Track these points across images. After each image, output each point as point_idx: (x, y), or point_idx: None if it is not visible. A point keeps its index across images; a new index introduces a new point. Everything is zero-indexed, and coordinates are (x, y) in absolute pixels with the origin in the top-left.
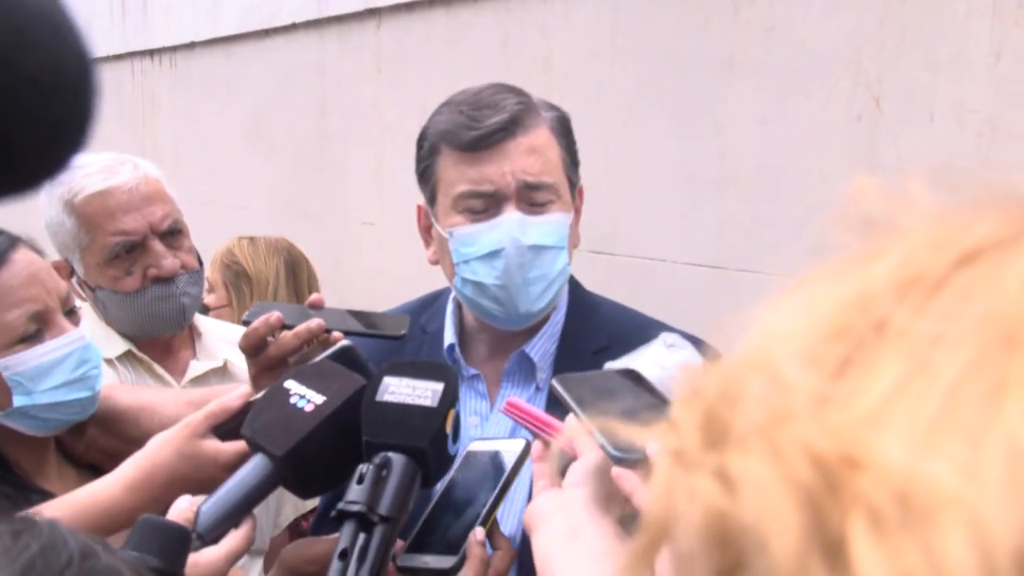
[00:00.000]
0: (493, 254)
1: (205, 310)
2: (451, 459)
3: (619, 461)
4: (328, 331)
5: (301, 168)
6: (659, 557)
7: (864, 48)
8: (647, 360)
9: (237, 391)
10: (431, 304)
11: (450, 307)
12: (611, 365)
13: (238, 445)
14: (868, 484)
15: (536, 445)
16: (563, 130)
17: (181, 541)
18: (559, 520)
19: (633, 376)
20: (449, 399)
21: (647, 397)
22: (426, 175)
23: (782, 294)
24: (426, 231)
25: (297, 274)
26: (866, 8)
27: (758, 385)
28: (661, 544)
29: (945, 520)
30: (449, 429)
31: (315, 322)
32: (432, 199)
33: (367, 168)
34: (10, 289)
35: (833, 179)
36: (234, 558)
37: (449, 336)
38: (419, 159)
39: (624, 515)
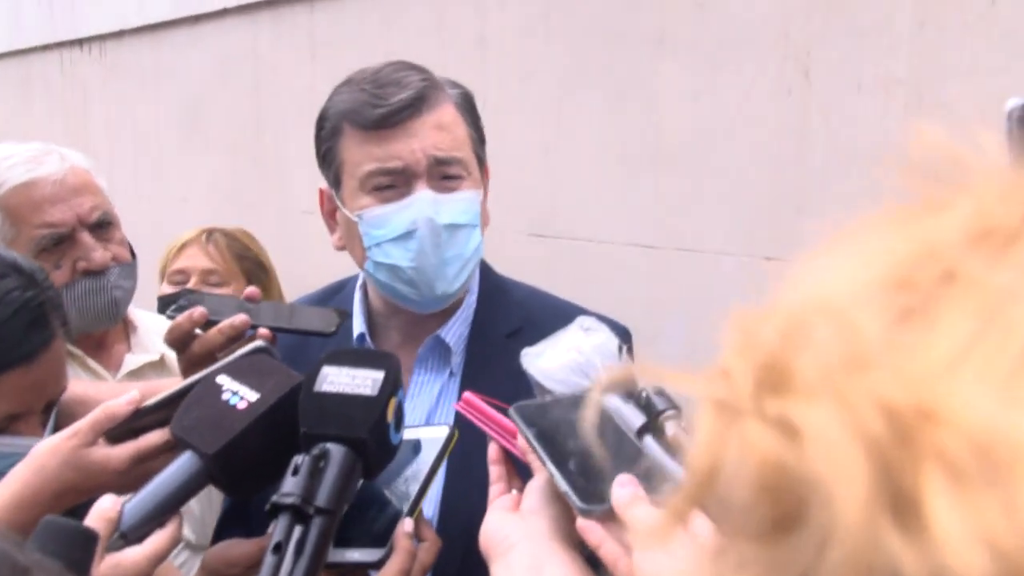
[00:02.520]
0: (406, 235)
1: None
2: (394, 449)
3: (585, 513)
4: (254, 327)
5: (238, 157)
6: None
7: (792, 20)
8: (564, 345)
9: (125, 396)
10: (337, 293)
11: (357, 295)
12: (527, 352)
13: (129, 448)
14: (945, 437)
15: (493, 447)
16: (468, 106)
17: (85, 541)
18: (519, 553)
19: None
20: (390, 387)
21: (605, 427)
22: (328, 157)
23: (836, 241)
24: (330, 216)
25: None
26: None
27: (825, 331)
28: (705, 495)
29: None
30: (391, 418)
31: (239, 318)
32: (336, 182)
33: (305, 156)
34: (12, 388)
35: (765, 152)
36: (158, 558)
37: (358, 325)
38: (320, 140)
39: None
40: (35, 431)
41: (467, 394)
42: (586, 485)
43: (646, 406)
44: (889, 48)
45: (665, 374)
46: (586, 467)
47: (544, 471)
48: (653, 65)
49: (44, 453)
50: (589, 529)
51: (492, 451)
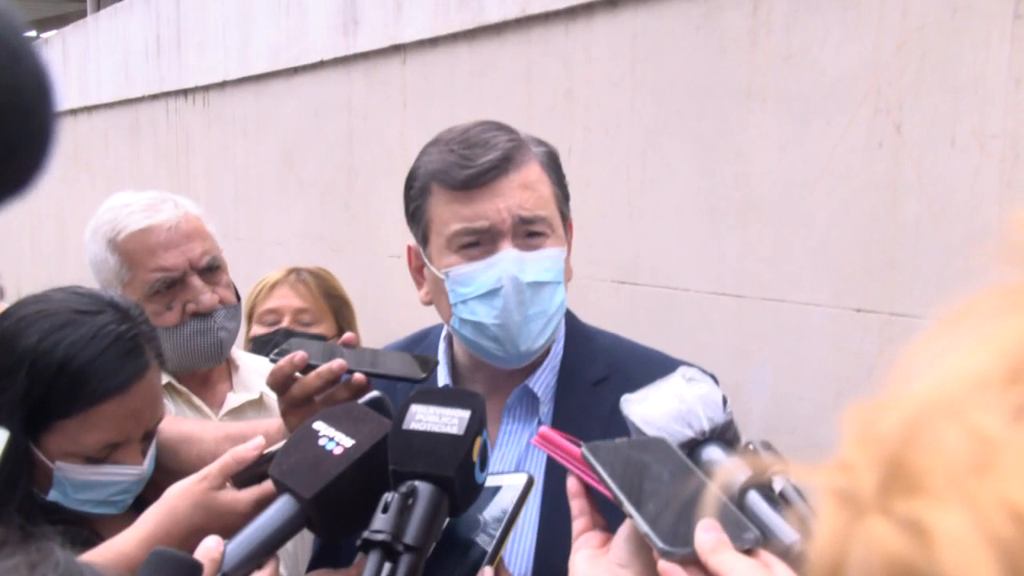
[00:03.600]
0: (491, 293)
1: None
2: (479, 488)
3: (666, 555)
4: (351, 372)
5: (330, 202)
6: None
7: (883, 74)
8: (666, 393)
9: (252, 443)
10: (420, 342)
11: (442, 346)
12: (627, 399)
13: (255, 492)
14: None
15: (572, 481)
16: (553, 165)
17: (192, 572)
18: None
19: (662, 444)
20: (476, 427)
21: (681, 470)
22: (417, 215)
23: (943, 328)
24: (418, 272)
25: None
26: (884, 34)
27: (952, 433)
28: None
29: None
30: (476, 457)
31: (336, 363)
32: (424, 240)
33: (394, 202)
34: (109, 417)
35: (855, 206)
36: None
37: (443, 376)
38: (408, 199)
39: None
40: (135, 459)
41: (543, 428)
42: (666, 526)
43: (753, 460)
44: (984, 103)
45: (783, 463)
46: (665, 509)
47: (628, 523)
48: (741, 117)
49: (176, 496)
50: (671, 572)
51: (571, 484)
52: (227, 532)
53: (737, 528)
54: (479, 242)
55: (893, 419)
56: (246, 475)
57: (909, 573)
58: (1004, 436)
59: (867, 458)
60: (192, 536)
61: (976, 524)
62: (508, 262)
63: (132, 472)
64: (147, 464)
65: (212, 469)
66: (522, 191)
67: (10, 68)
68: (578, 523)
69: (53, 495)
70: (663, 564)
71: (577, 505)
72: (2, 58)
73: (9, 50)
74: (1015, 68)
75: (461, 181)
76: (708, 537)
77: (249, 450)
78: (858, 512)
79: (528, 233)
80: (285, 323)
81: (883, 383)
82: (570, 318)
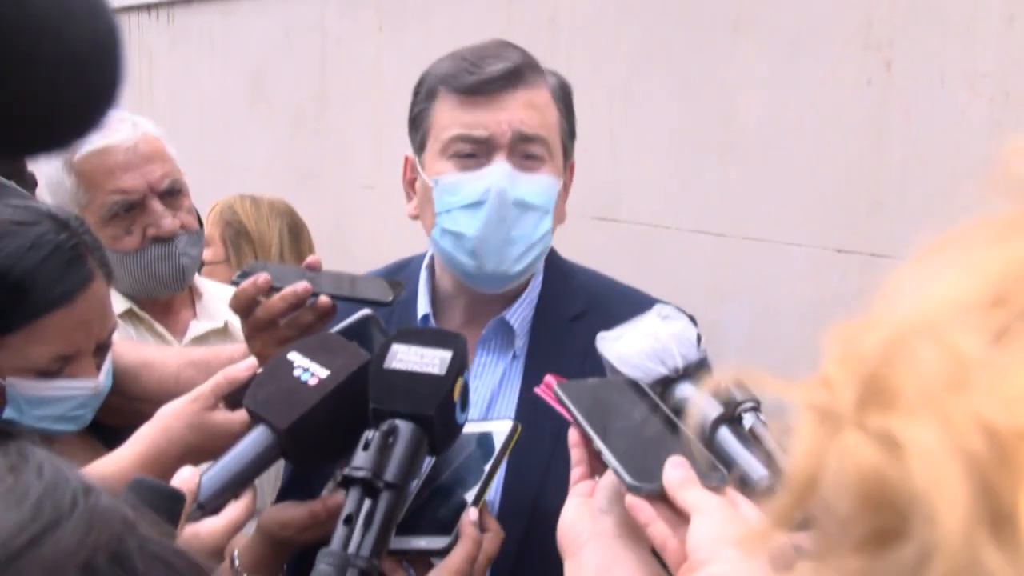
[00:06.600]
0: (476, 204)
1: (200, 265)
2: (459, 428)
3: (634, 490)
4: (315, 295)
5: (301, 129)
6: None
7: (875, 9)
8: (641, 331)
9: (245, 362)
10: (401, 271)
11: (423, 274)
12: (603, 336)
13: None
14: None
15: (573, 432)
16: (564, 97)
17: (172, 501)
18: (589, 553)
19: (634, 386)
20: (457, 367)
21: (653, 411)
22: (419, 120)
23: (929, 255)
24: (410, 184)
25: (299, 238)
26: None
27: (929, 352)
28: (804, 502)
29: None
30: (457, 397)
31: (301, 285)
32: (421, 146)
33: (367, 130)
34: (56, 329)
35: (839, 144)
36: (235, 529)
37: (423, 305)
38: (414, 104)
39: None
40: (89, 373)
41: (548, 377)
42: (635, 463)
43: (724, 396)
44: (975, 42)
45: (763, 379)
46: (635, 447)
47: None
48: (727, 51)
49: (169, 415)
50: (638, 507)
51: (572, 435)
52: (221, 453)
53: (705, 466)
54: (474, 153)
55: (874, 338)
56: (239, 396)
57: (882, 485)
58: (981, 356)
59: (847, 375)
60: (186, 457)
61: (947, 438)
62: (499, 175)
63: (87, 385)
64: (103, 377)
65: (204, 389)
66: (527, 109)
67: (89, 20)
68: (576, 471)
69: (8, 413)
70: (631, 499)
71: (576, 454)
72: (82, 10)
73: (88, 4)
74: (1007, 6)
75: (467, 86)
76: (676, 473)
77: (242, 370)
78: (836, 426)
79: (526, 154)
80: None
81: (866, 311)
82: (551, 254)
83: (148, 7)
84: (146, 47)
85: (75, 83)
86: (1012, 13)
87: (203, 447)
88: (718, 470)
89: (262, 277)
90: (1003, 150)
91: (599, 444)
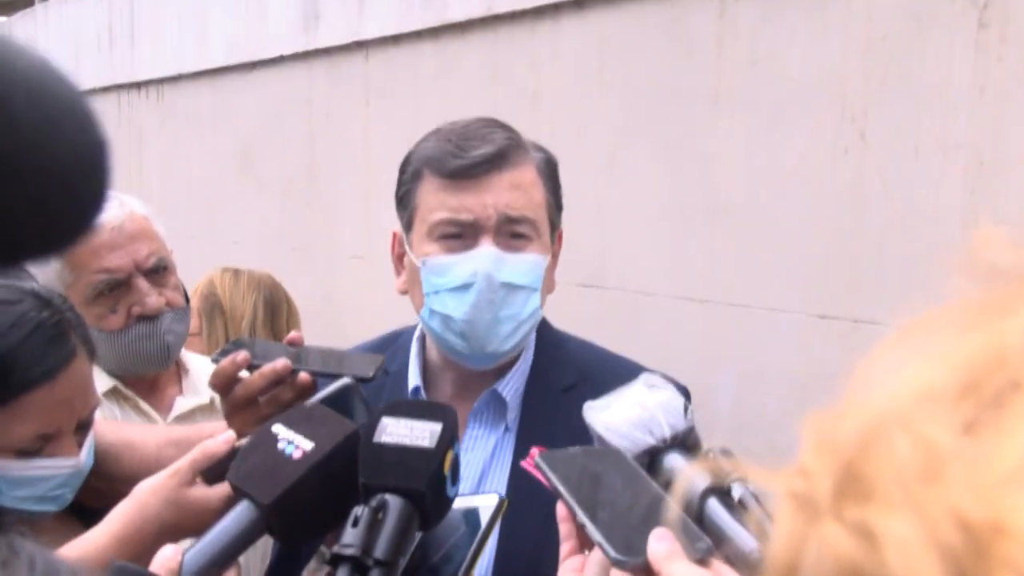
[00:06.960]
0: (464, 287)
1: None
2: (450, 502)
3: (619, 564)
4: (295, 371)
5: (290, 201)
6: None
7: (849, 81)
8: (628, 400)
9: (223, 436)
10: (392, 343)
11: (414, 347)
12: (590, 406)
13: (227, 489)
14: (1014, 550)
15: (561, 506)
16: (549, 172)
17: None
18: None
19: (621, 456)
20: (447, 440)
21: (636, 481)
22: (405, 200)
23: (901, 340)
24: (399, 259)
25: (276, 312)
26: (849, 40)
27: (902, 442)
28: None
29: None
30: (448, 471)
31: (280, 362)
32: (408, 225)
33: (356, 202)
34: (38, 407)
35: (820, 212)
36: None
37: (414, 377)
38: (400, 183)
39: None
40: (70, 451)
41: (534, 450)
42: (620, 535)
43: (713, 466)
44: (947, 111)
45: (746, 469)
46: (620, 519)
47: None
48: (708, 122)
49: (146, 492)
50: None
51: (560, 509)
52: (199, 529)
53: (690, 537)
54: (461, 235)
55: (849, 428)
56: (217, 470)
57: (859, 575)
58: (952, 447)
59: (823, 465)
60: (163, 535)
61: (923, 530)
62: (485, 258)
63: (68, 464)
64: (84, 455)
65: (182, 464)
66: (512, 190)
67: (79, 135)
68: (565, 546)
69: None
70: (616, 573)
71: (565, 529)
72: (71, 125)
73: (76, 118)
74: (978, 77)
75: (451, 170)
76: (661, 546)
77: (219, 444)
78: (813, 516)
79: (512, 234)
80: None
81: (843, 391)
82: (542, 324)
83: (138, 85)
84: (136, 124)
85: (63, 195)
86: (982, 84)
87: (180, 524)
88: (703, 540)
89: (241, 355)
90: (973, 233)
91: (582, 517)
